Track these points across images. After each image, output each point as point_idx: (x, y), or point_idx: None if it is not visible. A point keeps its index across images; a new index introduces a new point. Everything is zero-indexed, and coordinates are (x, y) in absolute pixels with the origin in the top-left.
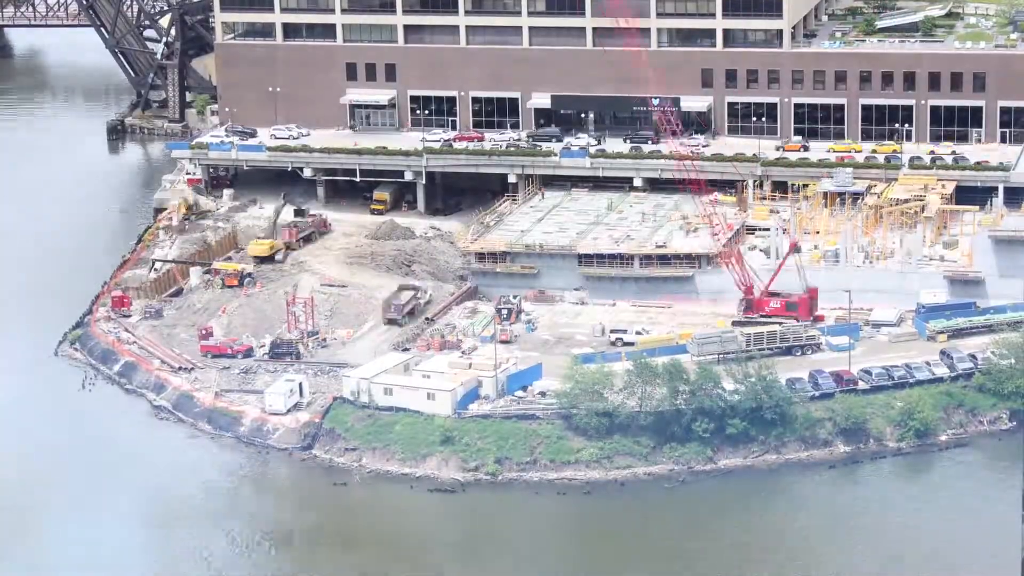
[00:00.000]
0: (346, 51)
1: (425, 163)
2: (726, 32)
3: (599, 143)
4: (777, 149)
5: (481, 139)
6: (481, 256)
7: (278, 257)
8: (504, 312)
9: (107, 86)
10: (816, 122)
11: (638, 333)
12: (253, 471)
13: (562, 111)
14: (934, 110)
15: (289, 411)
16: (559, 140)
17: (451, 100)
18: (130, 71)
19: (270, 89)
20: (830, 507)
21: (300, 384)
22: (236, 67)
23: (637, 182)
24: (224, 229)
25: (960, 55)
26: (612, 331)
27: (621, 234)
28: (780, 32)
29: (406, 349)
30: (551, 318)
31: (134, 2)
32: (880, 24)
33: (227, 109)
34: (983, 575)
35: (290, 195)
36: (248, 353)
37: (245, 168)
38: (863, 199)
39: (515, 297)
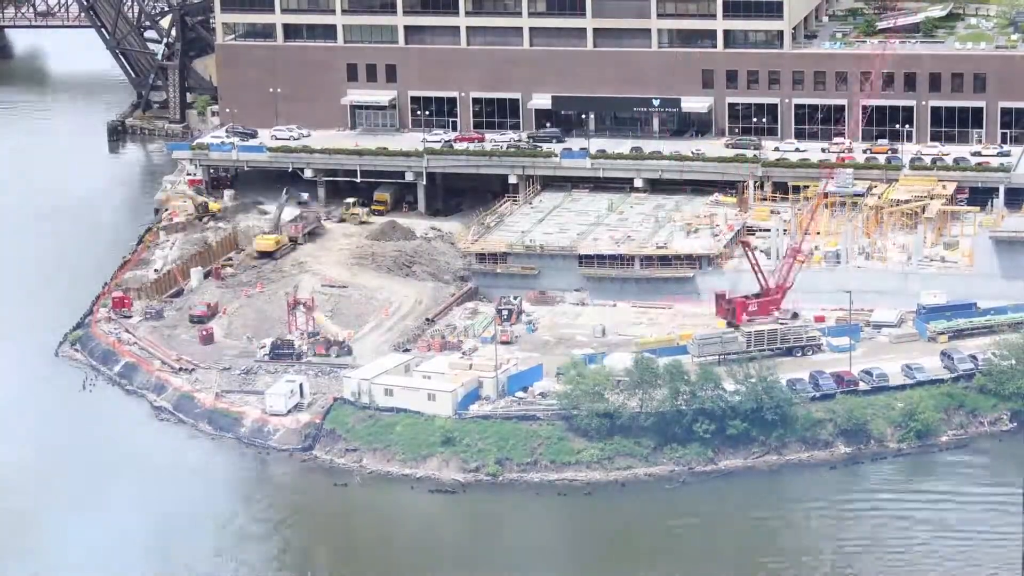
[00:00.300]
0: (347, 52)
1: (426, 164)
2: (727, 33)
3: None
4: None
5: (482, 140)
6: (481, 257)
7: (277, 254)
8: (504, 313)
9: (108, 87)
10: (816, 123)
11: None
12: (254, 472)
13: (563, 112)
14: (935, 111)
15: (290, 412)
16: (560, 141)
17: (451, 101)
18: (131, 72)
19: (271, 90)
20: (830, 508)
21: (300, 385)
22: (237, 68)
23: (638, 183)
24: (224, 229)
25: (961, 56)
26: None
27: (622, 235)
28: (781, 33)
29: (407, 350)
30: (551, 319)
31: (135, 3)
32: (880, 25)
33: (228, 110)
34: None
35: (292, 191)
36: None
37: (246, 169)
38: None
39: (515, 298)
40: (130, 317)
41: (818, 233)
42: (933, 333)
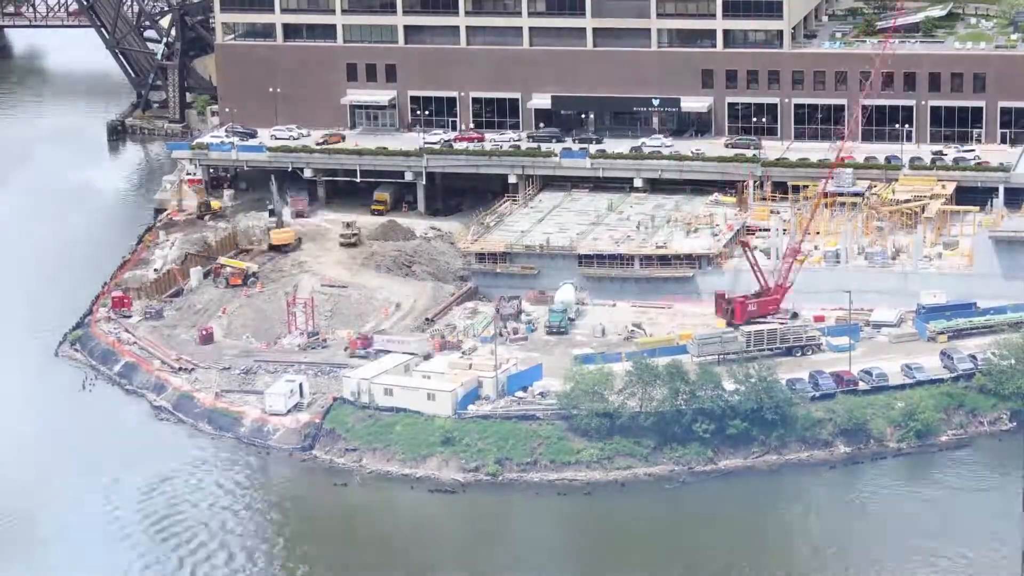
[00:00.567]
0: (346, 52)
1: (425, 164)
2: (726, 33)
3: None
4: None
5: (481, 139)
6: (481, 257)
7: (287, 248)
8: (503, 312)
9: (107, 87)
10: (816, 123)
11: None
12: (253, 472)
13: (562, 112)
14: (934, 111)
15: (289, 412)
16: (559, 140)
17: (451, 101)
18: (130, 71)
19: (270, 90)
20: (830, 508)
21: (300, 385)
22: (236, 68)
23: (637, 183)
24: (225, 229)
25: (960, 56)
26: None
27: (621, 234)
28: (780, 33)
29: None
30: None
31: (134, 2)
32: (880, 24)
33: (227, 109)
34: (984, 575)
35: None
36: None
37: (245, 168)
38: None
39: (513, 298)
40: (130, 317)
41: (818, 233)
42: (933, 333)
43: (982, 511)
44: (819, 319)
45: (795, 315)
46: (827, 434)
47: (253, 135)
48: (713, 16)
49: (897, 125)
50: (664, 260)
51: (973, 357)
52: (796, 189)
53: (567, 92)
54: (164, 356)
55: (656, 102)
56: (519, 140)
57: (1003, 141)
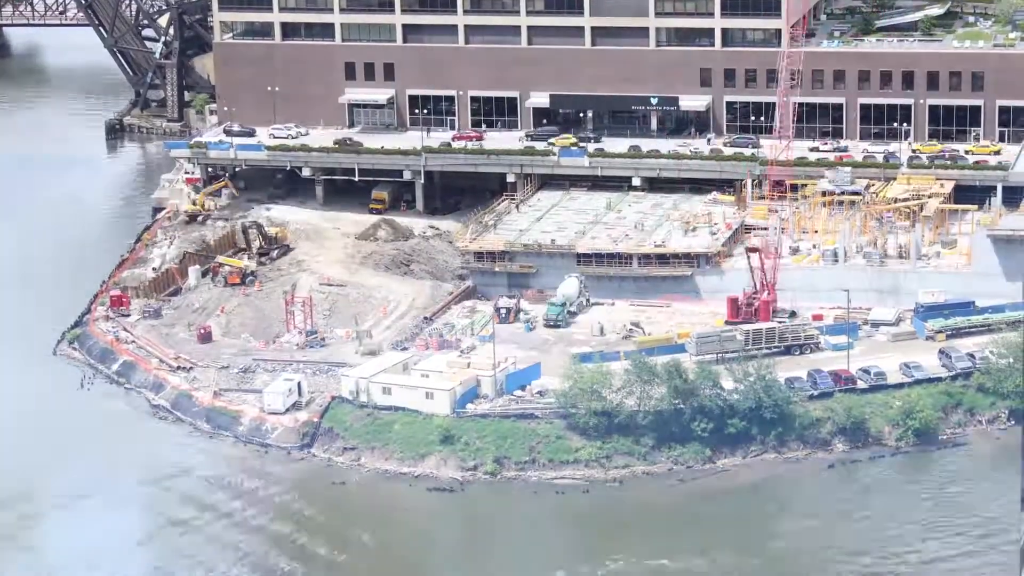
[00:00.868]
0: (345, 50)
1: (424, 162)
2: (724, 31)
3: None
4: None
5: (480, 138)
6: (480, 255)
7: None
8: (503, 312)
9: (106, 85)
10: (815, 122)
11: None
12: (252, 470)
13: (561, 110)
14: (932, 109)
15: (288, 410)
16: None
17: (450, 99)
18: (129, 70)
19: (269, 88)
20: (829, 507)
21: (299, 383)
22: (235, 66)
23: (636, 181)
24: (224, 228)
25: (959, 54)
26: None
27: (620, 233)
28: (779, 31)
29: (405, 348)
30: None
31: (133, 1)
32: (879, 23)
33: (226, 108)
34: (983, 574)
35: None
36: None
37: (244, 167)
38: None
39: (511, 298)
40: (128, 315)
41: (815, 231)
42: (931, 331)
43: (980, 509)
44: (817, 318)
45: (793, 313)
46: (826, 433)
47: (251, 134)
48: (711, 15)
49: (895, 124)
50: (662, 259)
51: (971, 356)
52: (794, 188)
53: (565, 91)
54: (162, 355)
55: (655, 101)
56: (522, 139)
57: (1001, 139)
